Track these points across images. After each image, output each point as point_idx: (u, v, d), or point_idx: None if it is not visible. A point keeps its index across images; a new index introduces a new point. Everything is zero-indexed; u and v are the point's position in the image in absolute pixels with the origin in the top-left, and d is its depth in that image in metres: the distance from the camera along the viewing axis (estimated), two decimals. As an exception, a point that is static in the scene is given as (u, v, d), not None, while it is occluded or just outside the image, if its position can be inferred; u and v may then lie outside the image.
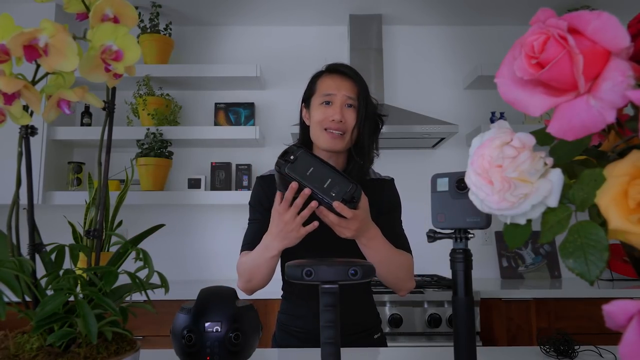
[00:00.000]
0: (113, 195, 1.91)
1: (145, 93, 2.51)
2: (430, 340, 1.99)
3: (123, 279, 0.60)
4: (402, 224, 1.24)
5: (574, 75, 0.35)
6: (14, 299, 0.57)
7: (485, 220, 0.61)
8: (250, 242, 1.15)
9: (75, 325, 0.54)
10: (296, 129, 1.30)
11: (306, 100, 1.24)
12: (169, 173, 2.54)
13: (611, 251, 0.34)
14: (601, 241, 0.34)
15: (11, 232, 0.57)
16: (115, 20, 0.58)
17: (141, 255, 0.60)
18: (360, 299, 1.22)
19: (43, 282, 0.56)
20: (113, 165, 2.27)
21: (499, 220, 0.42)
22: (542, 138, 0.42)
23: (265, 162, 2.68)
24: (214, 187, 2.59)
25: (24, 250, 0.59)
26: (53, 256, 0.59)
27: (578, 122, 0.35)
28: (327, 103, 1.17)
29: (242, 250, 1.18)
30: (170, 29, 2.65)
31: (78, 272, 0.57)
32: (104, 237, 0.63)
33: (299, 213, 0.94)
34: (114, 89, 0.62)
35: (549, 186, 0.37)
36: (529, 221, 0.40)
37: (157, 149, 2.42)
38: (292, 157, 0.92)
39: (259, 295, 1.19)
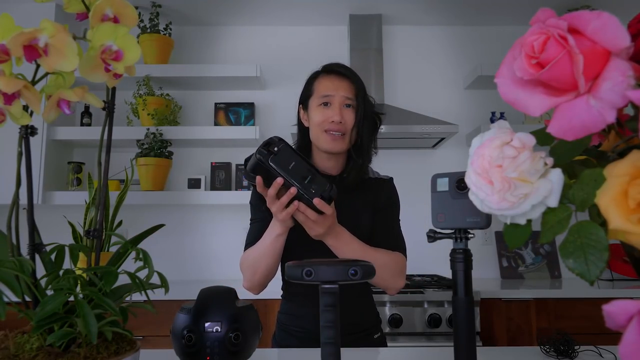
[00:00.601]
0: (113, 195, 1.91)
1: (145, 93, 2.51)
2: (430, 340, 1.99)
3: (123, 279, 0.60)
4: (401, 224, 1.24)
5: (574, 75, 0.35)
6: (14, 299, 0.57)
7: (485, 220, 0.61)
8: (253, 241, 1.15)
9: (75, 325, 0.54)
10: (296, 129, 1.30)
11: (304, 101, 1.24)
12: (169, 173, 2.54)
13: (611, 251, 0.34)
14: (601, 241, 0.34)
15: (11, 232, 0.57)
16: (115, 20, 0.58)
17: (141, 255, 0.60)
18: (360, 299, 1.22)
19: (43, 282, 0.56)
20: (113, 165, 2.27)
21: (499, 220, 0.42)
22: (542, 138, 0.42)
23: (265, 162, 2.67)
24: (214, 187, 2.59)
25: (24, 250, 0.59)
26: (53, 256, 0.59)
27: (578, 122, 0.35)
28: (326, 104, 1.17)
29: (245, 250, 1.18)
30: (170, 29, 2.65)
31: (78, 272, 0.57)
32: (104, 237, 0.63)
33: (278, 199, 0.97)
34: (114, 89, 0.62)
35: (549, 186, 0.37)
36: (529, 221, 0.40)
37: (157, 149, 2.42)
38: (275, 149, 0.93)
39: (258, 295, 1.19)
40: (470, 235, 0.63)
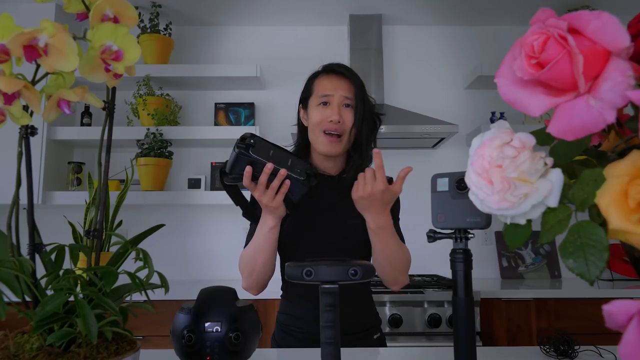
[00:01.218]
0: (113, 195, 1.91)
1: (145, 93, 2.51)
2: (430, 340, 1.99)
3: (123, 279, 0.60)
4: (401, 224, 1.23)
5: (574, 75, 0.35)
6: (14, 299, 0.57)
7: (485, 220, 0.61)
8: None
9: (75, 325, 0.54)
10: (296, 129, 1.30)
11: (303, 101, 1.24)
12: (169, 173, 2.54)
13: (611, 251, 0.34)
14: (601, 241, 0.34)
15: (11, 232, 0.57)
16: (115, 20, 0.58)
17: (141, 255, 0.60)
18: (359, 299, 1.22)
19: (43, 282, 0.56)
20: (113, 165, 2.26)
21: (499, 220, 0.42)
22: (542, 138, 0.42)
23: (265, 162, 2.68)
24: (214, 187, 2.59)
25: (24, 250, 0.59)
26: (53, 256, 0.59)
27: (578, 122, 0.35)
28: (325, 104, 1.17)
29: None
30: (170, 29, 2.65)
31: (78, 272, 0.57)
32: (104, 237, 0.63)
33: (267, 188, 0.98)
34: (114, 89, 0.62)
35: (549, 186, 0.37)
36: (529, 221, 0.40)
37: (157, 149, 2.42)
38: (252, 142, 0.96)
39: (258, 295, 1.19)
40: (470, 235, 0.63)
